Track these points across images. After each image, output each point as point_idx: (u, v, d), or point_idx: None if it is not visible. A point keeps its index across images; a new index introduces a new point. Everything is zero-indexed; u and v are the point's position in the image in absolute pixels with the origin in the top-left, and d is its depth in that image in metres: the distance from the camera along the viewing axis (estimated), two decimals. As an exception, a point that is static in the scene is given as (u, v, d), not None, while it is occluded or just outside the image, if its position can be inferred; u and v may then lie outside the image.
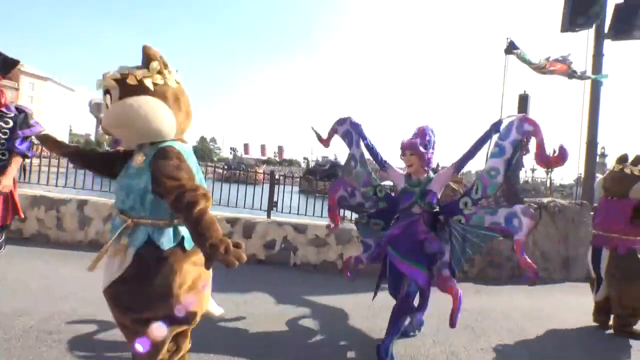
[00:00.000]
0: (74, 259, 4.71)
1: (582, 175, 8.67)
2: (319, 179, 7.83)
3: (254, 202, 6.02)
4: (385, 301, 3.25)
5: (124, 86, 1.81)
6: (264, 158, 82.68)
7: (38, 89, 75.01)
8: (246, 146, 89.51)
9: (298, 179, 7.53)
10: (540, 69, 7.78)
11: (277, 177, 6.23)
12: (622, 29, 7.53)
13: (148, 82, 1.83)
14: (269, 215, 5.90)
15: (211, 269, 1.74)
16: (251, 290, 4.18)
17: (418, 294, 2.89)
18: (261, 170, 8.90)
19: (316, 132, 3.65)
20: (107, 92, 1.86)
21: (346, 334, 3.29)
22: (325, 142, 3.62)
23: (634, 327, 3.74)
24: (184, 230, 1.88)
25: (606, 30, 7.68)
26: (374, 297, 3.28)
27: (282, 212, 6.05)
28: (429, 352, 3.03)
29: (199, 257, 1.83)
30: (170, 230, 1.87)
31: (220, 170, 7.71)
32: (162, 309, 1.84)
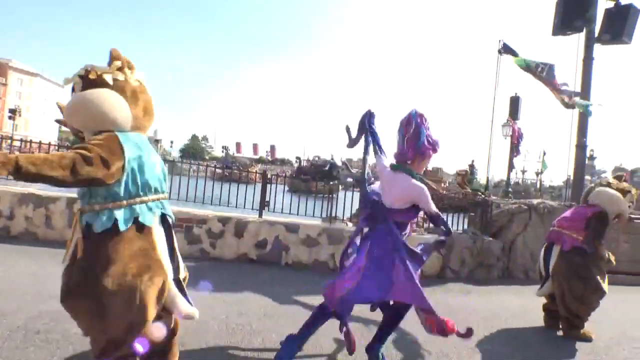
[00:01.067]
0: (62, 258, 4.65)
1: (572, 177, 8.79)
2: (318, 179, 7.81)
3: (246, 201, 6.00)
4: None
5: (86, 81, 1.98)
6: (256, 157, 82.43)
7: (27, 85, 73.98)
8: (238, 145, 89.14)
9: (298, 179, 7.53)
10: (535, 74, 7.85)
11: (269, 176, 6.22)
12: (612, 33, 7.64)
13: (108, 78, 1.99)
14: (260, 215, 5.89)
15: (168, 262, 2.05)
16: (243, 289, 4.17)
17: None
18: (256, 170, 8.83)
19: (349, 133, 2.94)
20: (73, 89, 2.04)
21: (338, 333, 3.29)
22: (351, 144, 2.94)
23: (582, 330, 3.71)
24: (118, 214, 1.94)
25: (596, 34, 7.79)
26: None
27: (273, 211, 6.04)
28: (419, 352, 3.05)
29: (141, 242, 1.98)
30: (105, 213, 1.94)
31: (218, 170, 7.67)
32: (101, 292, 1.86)
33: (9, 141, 6.26)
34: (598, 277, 3.64)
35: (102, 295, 1.86)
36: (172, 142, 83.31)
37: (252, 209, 5.93)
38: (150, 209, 2.06)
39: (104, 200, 1.94)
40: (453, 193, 8.05)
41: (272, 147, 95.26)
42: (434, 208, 2.49)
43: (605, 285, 3.68)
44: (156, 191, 2.12)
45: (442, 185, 23.34)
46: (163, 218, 2.15)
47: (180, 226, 5.48)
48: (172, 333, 2.22)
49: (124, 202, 1.97)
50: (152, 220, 2.05)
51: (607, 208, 3.77)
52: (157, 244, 2.07)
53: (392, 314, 2.76)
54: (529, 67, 7.99)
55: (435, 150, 2.59)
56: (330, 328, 3.42)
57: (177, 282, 2.18)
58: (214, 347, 2.78)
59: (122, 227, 1.93)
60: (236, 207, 5.96)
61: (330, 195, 6.38)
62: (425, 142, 2.52)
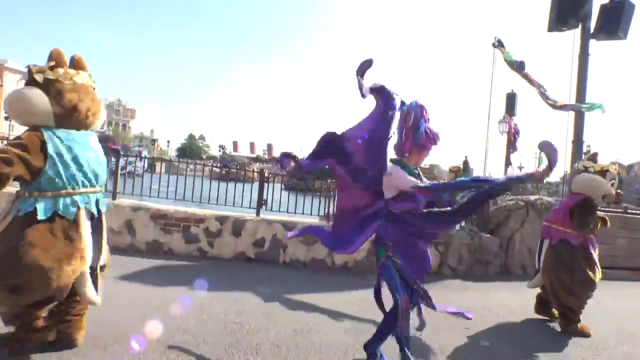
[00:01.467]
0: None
1: (568, 173, 8.81)
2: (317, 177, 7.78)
3: (244, 200, 5.99)
4: (373, 297, 3.25)
5: (27, 80, 2.32)
6: (253, 155, 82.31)
7: (22, 85, 73.61)
8: (235, 144, 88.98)
9: (288, 177, 7.49)
10: (519, 72, 7.81)
11: (266, 175, 6.21)
12: (607, 29, 7.65)
13: (38, 77, 2.26)
14: (258, 213, 5.88)
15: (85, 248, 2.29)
16: (241, 288, 4.17)
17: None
18: (255, 169, 8.82)
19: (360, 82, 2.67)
20: None
21: (336, 331, 3.30)
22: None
23: (579, 325, 3.71)
24: (40, 203, 2.21)
25: (592, 30, 7.80)
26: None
27: (271, 210, 6.04)
28: (416, 349, 3.05)
29: (65, 231, 2.24)
30: (30, 200, 2.22)
31: (216, 169, 7.65)
32: (19, 269, 2.10)
33: (5, 142, 6.21)
34: (586, 269, 3.63)
35: (19, 272, 2.09)
36: (168, 141, 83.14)
37: (250, 207, 5.93)
38: (74, 202, 2.30)
39: (31, 189, 2.22)
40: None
41: (269, 146, 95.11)
42: (412, 183, 2.40)
43: (594, 276, 3.65)
44: (85, 185, 2.36)
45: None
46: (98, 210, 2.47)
47: (178, 225, 5.48)
48: (81, 308, 2.52)
49: (49, 193, 2.22)
50: (73, 213, 2.29)
51: (590, 194, 3.73)
52: (82, 234, 2.32)
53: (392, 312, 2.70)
54: (512, 62, 7.90)
55: (434, 143, 2.52)
56: (322, 321, 3.44)
57: (93, 269, 2.44)
58: (213, 345, 2.78)
59: (40, 215, 2.18)
60: (234, 205, 5.95)
61: (328, 193, 6.37)
62: (424, 134, 2.47)
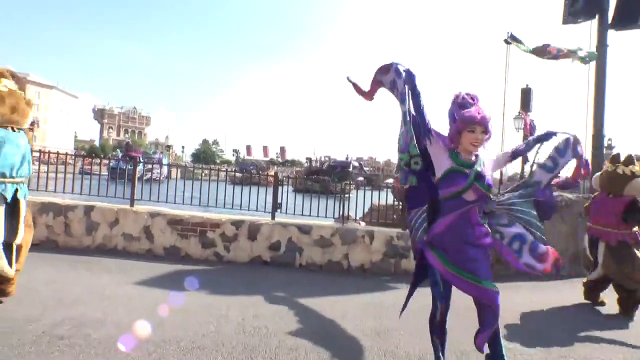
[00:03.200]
0: (82, 264, 4.76)
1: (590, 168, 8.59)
2: (337, 180, 7.81)
3: (259, 204, 6.03)
4: (393, 301, 3.23)
5: None
6: (267, 159, 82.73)
7: (44, 97, 75.65)
8: (248, 147, 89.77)
9: (302, 179, 7.52)
10: (540, 53, 7.71)
11: (280, 178, 6.24)
12: (625, 18, 7.46)
13: None
14: (273, 217, 5.91)
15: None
16: (257, 292, 4.20)
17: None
18: (272, 172, 8.78)
19: (353, 83, 2.96)
20: None
21: (354, 334, 3.29)
22: (368, 96, 2.91)
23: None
24: None
25: (610, 20, 7.61)
26: (402, 310, 2.68)
27: (286, 213, 6.06)
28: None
29: None
30: None
31: (238, 174, 7.67)
32: None
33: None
34: None
35: None
36: (183, 147, 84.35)
37: (265, 211, 5.97)
38: None
39: None
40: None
41: (282, 149, 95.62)
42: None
43: None
44: (4, 176, 3.03)
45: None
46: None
47: (195, 230, 5.55)
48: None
49: None
50: None
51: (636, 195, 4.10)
52: None
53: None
54: (535, 50, 7.84)
55: (467, 123, 2.30)
56: (339, 324, 3.43)
57: (7, 245, 3.12)
58: (231, 349, 2.80)
59: None
60: (249, 209, 6.00)
61: (343, 195, 6.37)
62: (453, 121, 2.38)
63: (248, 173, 7.45)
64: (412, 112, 2.42)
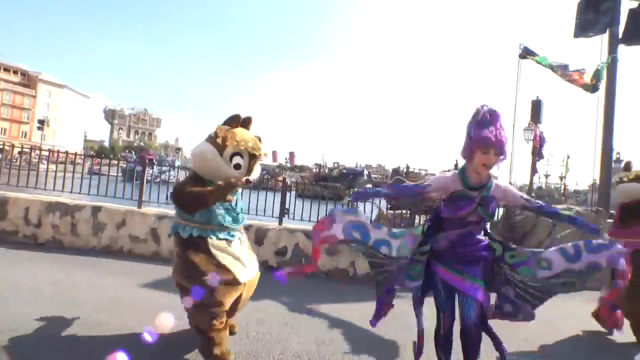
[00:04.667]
0: (87, 265, 4.77)
1: (598, 181, 8.52)
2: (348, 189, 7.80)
3: (266, 208, 6.02)
4: (398, 309, 3.20)
5: None
6: (275, 164, 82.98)
7: (55, 96, 76.55)
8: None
9: (310, 185, 7.50)
10: (557, 70, 7.65)
11: (289, 183, 6.24)
12: (636, 33, 7.42)
13: None
14: (280, 222, 5.90)
15: None
16: (263, 297, 4.16)
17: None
18: (286, 177, 8.68)
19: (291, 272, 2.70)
20: None
21: (359, 342, 3.26)
22: (313, 266, 2.70)
23: None
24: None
25: (620, 35, 7.58)
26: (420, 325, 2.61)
27: (293, 219, 6.05)
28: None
29: None
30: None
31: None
32: None
33: (37, 151, 6.48)
34: None
35: None
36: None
37: (272, 216, 5.96)
38: None
39: None
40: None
41: (291, 154, 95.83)
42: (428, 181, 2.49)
43: None
44: None
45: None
46: None
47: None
48: None
49: None
50: None
51: (632, 200, 3.82)
52: None
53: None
54: (551, 66, 7.80)
55: (479, 146, 2.25)
56: (344, 331, 3.39)
57: None
58: (234, 355, 2.78)
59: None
60: (256, 214, 5.99)
61: (351, 202, 6.34)
62: (468, 139, 2.34)
63: (260, 177, 7.45)
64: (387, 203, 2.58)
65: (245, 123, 2.80)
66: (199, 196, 2.46)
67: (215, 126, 2.73)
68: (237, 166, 2.63)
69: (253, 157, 2.70)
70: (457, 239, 2.39)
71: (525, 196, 2.50)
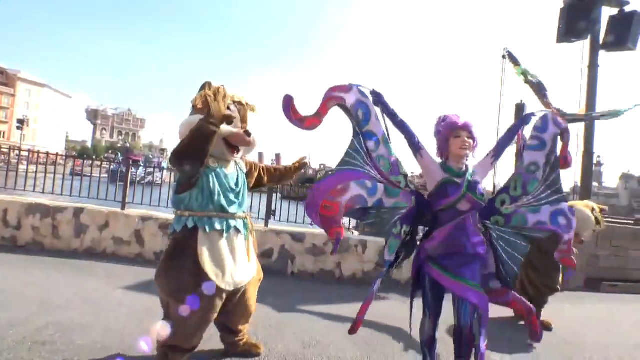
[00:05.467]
0: (69, 268, 4.66)
1: (579, 184, 8.71)
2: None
3: (252, 210, 5.98)
4: (385, 311, 3.23)
5: None
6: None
7: (35, 95, 74.90)
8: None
9: (296, 187, 7.47)
10: (537, 92, 7.70)
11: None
12: (616, 40, 7.61)
13: None
14: (266, 224, 5.87)
15: None
16: (248, 299, 4.14)
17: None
18: None
19: (288, 100, 2.36)
20: None
21: (344, 344, 3.26)
22: (316, 117, 2.40)
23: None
24: None
25: (601, 41, 7.77)
26: (410, 323, 2.62)
27: (279, 220, 6.03)
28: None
29: None
30: None
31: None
32: None
33: (17, 151, 6.31)
34: None
35: None
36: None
37: (258, 218, 5.93)
38: None
39: None
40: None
41: (278, 156, 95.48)
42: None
43: None
44: None
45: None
46: None
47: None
48: None
49: None
50: None
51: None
52: None
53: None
54: (530, 82, 7.81)
55: (447, 128, 2.41)
56: (329, 333, 3.40)
57: None
58: (219, 357, 2.75)
59: None
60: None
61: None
62: (438, 135, 2.48)
63: None
64: (391, 131, 2.47)
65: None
66: (194, 131, 2.19)
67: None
68: (230, 122, 2.39)
69: (241, 106, 2.52)
70: (451, 233, 2.34)
71: (490, 153, 2.59)
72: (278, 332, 3.33)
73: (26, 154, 6.26)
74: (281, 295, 4.45)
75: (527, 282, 4.02)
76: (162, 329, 2.24)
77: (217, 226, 2.37)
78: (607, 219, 6.84)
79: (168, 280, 2.35)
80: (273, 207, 5.97)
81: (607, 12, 7.73)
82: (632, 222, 7.78)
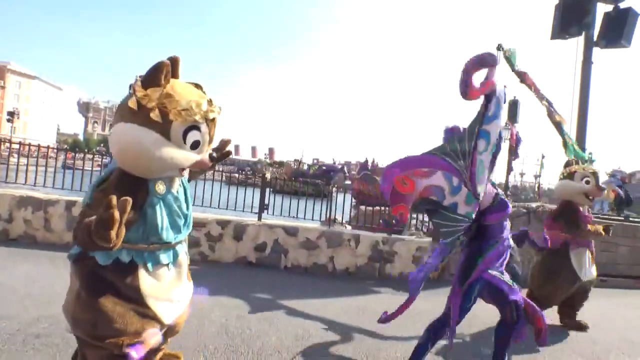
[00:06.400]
0: (61, 261, 4.62)
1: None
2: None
3: (245, 204, 5.99)
4: (376, 305, 3.25)
5: None
6: (255, 159, 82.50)
7: (25, 87, 73.91)
8: (237, 147, 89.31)
9: (289, 181, 7.45)
10: (519, 75, 7.73)
11: (268, 179, 6.21)
12: (611, 36, 7.66)
13: None
14: (260, 218, 5.88)
15: None
16: (242, 293, 4.16)
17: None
18: (270, 174, 8.41)
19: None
20: None
21: (337, 337, 3.29)
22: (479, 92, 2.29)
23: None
24: None
25: (595, 38, 7.81)
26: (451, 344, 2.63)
27: (273, 214, 6.03)
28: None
29: None
30: None
31: (235, 175, 7.52)
32: None
33: (7, 144, 6.24)
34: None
35: None
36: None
37: (252, 212, 5.93)
38: None
39: None
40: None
41: (271, 150, 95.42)
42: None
43: None
44: None
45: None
46: None
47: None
48: None
49: None
50: None
51: (566, 197, 3.98)
52: None
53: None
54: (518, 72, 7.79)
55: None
56: (322, 326, 3.42)
57: None
58: (213, 350, 2.77)
59: None
60: (235, 210, 5.95)
61: (330, 198, 6.37)
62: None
63: (244, 174, 7.41)
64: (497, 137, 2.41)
65: (174, 69, 1.82)
66: (86, 231, 1.50)
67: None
68: (195, 144, 1.79)
69: (211, 121, 1.85)
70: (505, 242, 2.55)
71: None
72: (271, 326, 3.35)
73: (17, 146, 6.19)
74: (274, 289, 4.47)
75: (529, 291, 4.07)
76: (152, 335, 1.89)
77: (164, 259, 1.89)
78: (596, 216, 6.94)
79: (103, 324, 1.78)
80: (266, 201, 5.97)
81: (602, 9, 7.77)
82: (622, 218, 7.89)
